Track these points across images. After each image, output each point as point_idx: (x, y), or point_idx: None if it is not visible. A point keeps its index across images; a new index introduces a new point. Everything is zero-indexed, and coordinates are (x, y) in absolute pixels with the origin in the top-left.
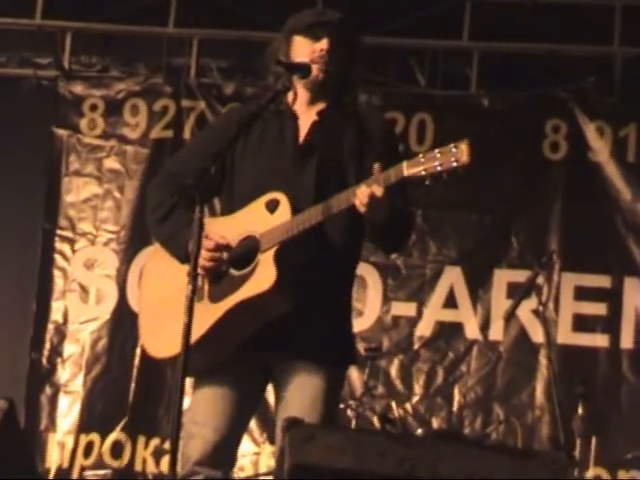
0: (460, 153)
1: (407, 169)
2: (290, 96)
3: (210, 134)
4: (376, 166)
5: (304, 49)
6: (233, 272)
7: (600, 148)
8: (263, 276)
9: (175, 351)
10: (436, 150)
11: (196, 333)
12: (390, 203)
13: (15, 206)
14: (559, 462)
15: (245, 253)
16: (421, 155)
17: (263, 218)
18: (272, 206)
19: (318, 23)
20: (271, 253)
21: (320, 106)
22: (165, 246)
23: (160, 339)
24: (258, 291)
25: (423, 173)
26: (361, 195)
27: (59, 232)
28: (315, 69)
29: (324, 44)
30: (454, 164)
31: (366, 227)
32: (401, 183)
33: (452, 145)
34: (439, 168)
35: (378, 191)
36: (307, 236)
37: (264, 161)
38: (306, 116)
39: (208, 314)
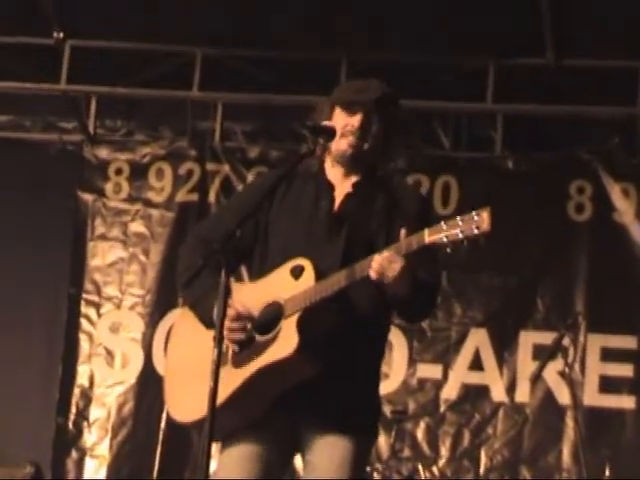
0: (481, 221)
1: (429, 236)
2: (327, 167)
3: (241, 198)
4: (402, 232)
5: (340, 121)
6: (258, 338)
7: (625, 209)
8: (286, 342)
9: (199, 415)
10: (458, 217)
11: (219, 398)
12: (412, 276)
13: (41, 270)
14: None
15: (270, 319)
16: (443, 222)
17: (288, 284)
18: (297, 272)
19: (355, 100)
20: (294, 319)
21: (355, 178)
22: (192, 309)
23: (184, 403)
24: (280, 356)
25: (445, 240)
26: (377, 262)
27: (85, 296)
28: (344, 143)
29: (356, 120)
30: (475, 231)
31: (388, 298)
32: (428, 255)
33: (474, 213)
34: (460, 235)
35: (397, 259)
36: (333, 303)
37: (297, 227)
38: (342, 187)
39: (231, 379)
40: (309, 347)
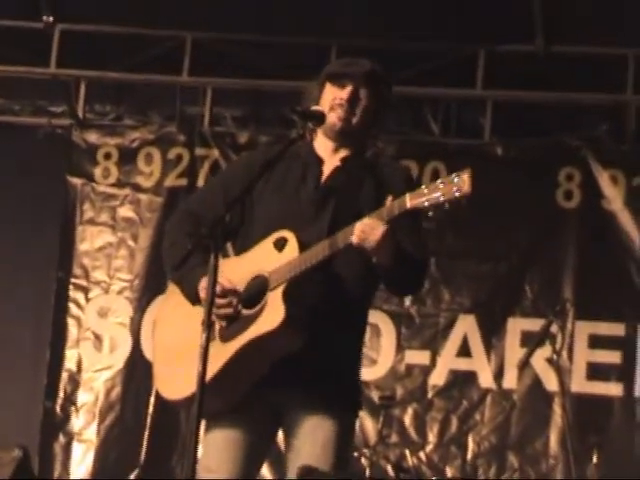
0: (462, 183)
1: (410, 201)
2: (317, 144)
3: (226, 181)
4: (389, 199)
5: (329, 95)
6: (244, 312)
7: (614, 196)
8: (272, 314)
9: (188, 393)
10: (439, 180)
11: (208, 374)
12: (394, 244)
13: (29, 254)
14: None
15: (255, 292)
16: (424, 186)
17: (272, 256)
18: (280, 244)
19: (344, 73)
20: (279, 291)
21: (344, 153)
22: (177, 285)
23: (173, 381)
24: (267, 329)
25: (426, 204)
26: (359, 227)
27: (73, 280)
28: (333, 116)
29: (345, 93)
30: (456, 194)
31: (373, 268)
32: (412, 228)
33: (454, 175)
34: (442, 198)
35: (378, 225)
36: (319, 274)
37: (282, 203)
38: (330, 161)
39: (219, 354)
40: (295, 319)
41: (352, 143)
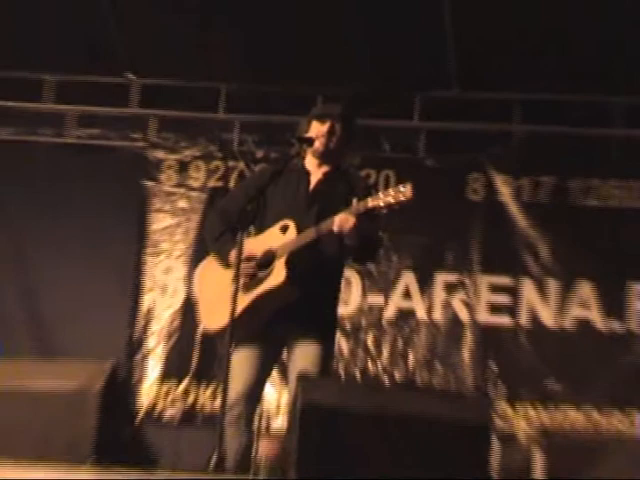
0: (406, 191)
1: (371, 202)
2: (307, 161)
3: (248, 185)
4: (354, 201)
5: (315, 129)
6: (259, 273)
7: (504, 192)
8: (277, 275)
9: (221, 325)
10: (390, 189)
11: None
12: (359, 231)
13: (118, 233)
14: (483, 402)
15: (267, 260)
16: (380, 193)
17: (278, 237)
18: (284, 229)
19: (324, 114)
20: (283, 259)
21: (325, 168)
22: (216, 256)
23: (211, 317)
24: (274, 285)
25: (382, 204)
26: (338, 219)
27: (147, 250)
28: (317, 143)
29: (325, 128)
30: (402, 198)
31: (345, 246)
32: (371, 218)
33: (401, 185)
34: (392, 201)
35: (349, 218)
36: (309, 249)
37: (285, 202)
38: (315, 175)
39: (242, 300)
40: (293, 278)
41: (330, 161)
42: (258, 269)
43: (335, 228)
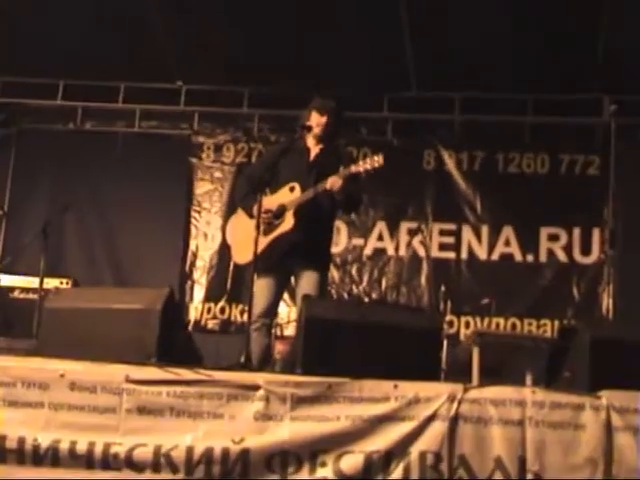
0: (379, 159)
1: (354, 168)
2: (307, 141)
3: (265, 159)
4: (341, 168)
5: (315, 119)
6: (274, 222)
7: (450, 163)
8: (287, 223)
9: (247, 260)
10: (367, 158)
11: (257, 249)
12: (345, 189)
13: (172, 196)
14: (435, 314)
15: (280, 212)
16: (360, 161)
17: (287, 195)
18: (292, 189)
19: (323, 108)
20: (291, 212)
21: (321, 146)
22: (243, 210)
23: (240, 254)
24: (285, 230)
25: (361, 170)
26: (330, 181)
27: (193, 207)
28: (317, 129)
29: (324, 119)
30: (376, 165)
31: (336, 201)
32: (352, 178)
33: (375, 156)
34: (369, 167)
35: (338, 180)
36: (310, 203)
37: (292, 170)
38: (314, 150)
39: (262, 242)
40: (299, 225)
41: (325, 141)
42: (274, 219)
43: (328, 187)
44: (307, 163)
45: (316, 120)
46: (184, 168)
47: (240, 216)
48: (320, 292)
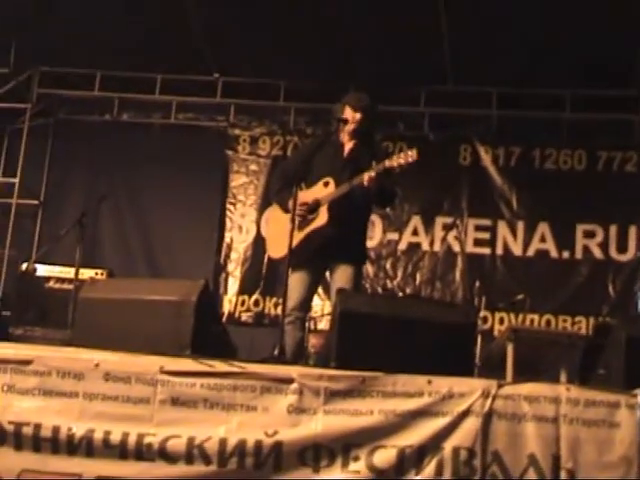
0: (413, 154)
1: (387, 162)
2: (341, 136)
3: (300, 153)
4: (374, 163)
5: (349, 114)
6: (309, 216)
7: (486, 159)
8: (322, 217)
9: (282, 254)
10: (402, 153)
11: (292, 243)
12: (379, 183)
13: (207, 188)
14: (470, 309)
15: (315, 206)
16: (395, 156)
17: (322, 190)
18: (326, 184)
19: (357, 105)
20: (325, 207)
21: (355, 141)
22: (277, 204)
23: (275, 248)
24: (319, 225)
25: (395, 164)
26: (365, 175)
27: (228, 200)
28: (350, 125)
29: (358, 115)
30: (410, 159)
31: (371, 195)
32: (386, 172)
33: (409, 150)
34: (402, 162)
35: (372, 175)
36: (345, 198)
37: (326, 165)
38: (348, 145)
39: (297, 236)
40: (333, 220)
41: (359, 137)
42: (308, 213)
43: (364, 182)
44: (341, 158)
45: (350, 116)
46: (220, 160)
47: (275, 210)
48: (355, 286)
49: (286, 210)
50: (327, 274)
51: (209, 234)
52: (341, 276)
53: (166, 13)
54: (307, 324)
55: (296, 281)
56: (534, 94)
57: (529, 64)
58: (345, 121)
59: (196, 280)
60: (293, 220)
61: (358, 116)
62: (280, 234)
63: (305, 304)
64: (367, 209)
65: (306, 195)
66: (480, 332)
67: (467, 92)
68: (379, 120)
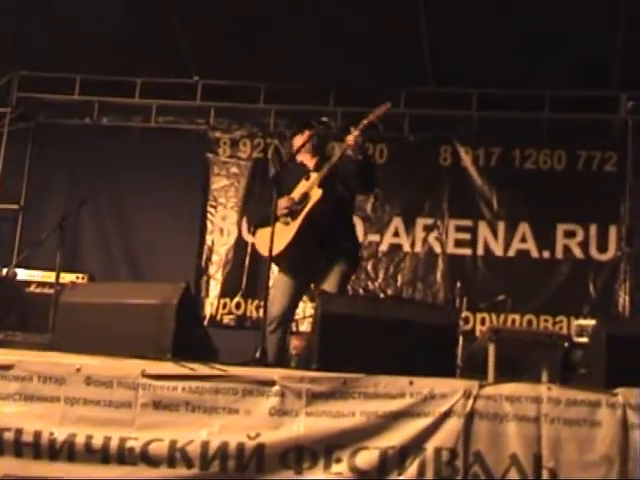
0: (387, 105)
1: (366, 120)
2: (301, 160)
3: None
4: (352, 129)
5: (299, 140)
6: (299, 207)
7: (466, 159)
8: (315, 195)
9: (279, 249)
10: (375, 109)
11: (284, 243)
12: (362, 147)
13: (188, 191)
14: (451, 310)
15: (304, 198)
16: (370, 114)
17: (306, 183)
18: (308, 178)
19: (300, 127)
20: (315, 187)
21: (317, 158)
22: (261, 226)
23: (264, 247)
24: (314, 202)
25: (373, 118)
26: (349, 139)
27: (209, 202)
28: (307, 146)
29: (307, 133)
30: (385, 109)
31: (355, 170)
32: (367, 160)
33: (382, 104)
34: (379, 112)
35: (355, 133)
36: (334, 179)
37: (300, 180)
38: (312, 162)
39: (288, 232)
40: (328, 193)
41: (318, 151)
42: (297, 205)
43: (350, 145)
44: (310, 170)
45: (302, 140)
46: (200, 163)
47: (261, 229)
48: (340, 289)
49: (266, 223)
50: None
51: (190, 237)
52: (333, 277)
53: (146, 17)
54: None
55: (282, 286)
56: (514, 95)
57: (509, 65)
58: (303, 145)
59: (177, 283)
60: (274, 221)
61: (307, 133)
62: (266, 239)
63: (288, 313)
64: (352, 200)
65: (292, 194)
66: (462, 333)
67: (447, 93)
68: (332, 129)
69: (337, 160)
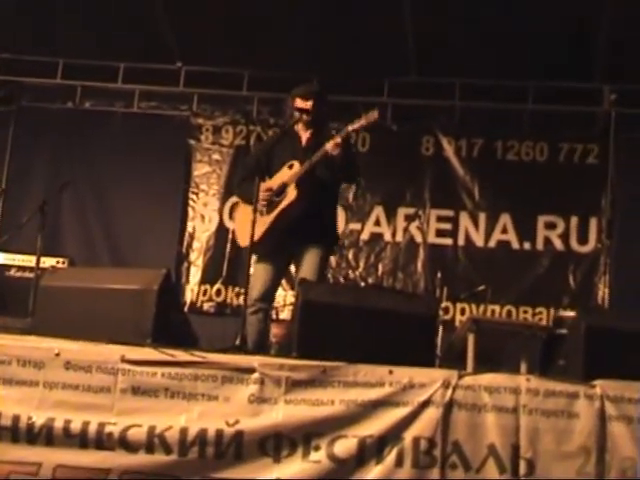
0: (374, 114)
1: (350, 126)
2: (297, 128)
3: (261, 146)
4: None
5: (300, 104)
6: (276, 199)
7: (449, 150)
8: (291, 195)
9: (248, 242)
10: (362, 115)
11: (260, 231)
12: (344, 150)
13: (170, 177)
14: (431, 300)
15: (281, 189)
16: (356, 119)
17: (287, 173)
18: (290, 167)
19: (307, 92)
20: (293, 184)
21: (311, 131)
22: (239, 197)
23: (245, 238)
24: (288, 202)
25: (357, 127)
26: (329, 144)
27: (190, 189)
28: (305, 115)
29: (309, 103)
30: (371, 119)
31: (337, 167)
32: (348, 147)
33: (370, 111)
34: (364, 122)
35: (337, 141)
36: (312, 177)
37: (288, 154)
38: (305, 136)
39: (264, 223)
40: (303, 195)
41: (314, 125)
42: (275, 196)
43: (329, 150)
44: (300, 148)
45: (301, 106)
46: (182, 149)
47: (240, 204)
48: (319, 276)
49: (249, 201)
50: (292, 267)
51: (171, 223)
52: (306, 265)
53: (130, 1)
54: (269, 314)
55: (261, 271)
56: (497, 85)
57: (492, 56)
58: (300, 110)
59: (158, 269)
60: (255, 210)
61: (309, 104)
62: (249, 223)
63: (269, 295)
64: (335, 185)
65: (271, 181)
66: (441, 322)
67: (430, 83)
68: (331, 106)
69: (317, 160)
